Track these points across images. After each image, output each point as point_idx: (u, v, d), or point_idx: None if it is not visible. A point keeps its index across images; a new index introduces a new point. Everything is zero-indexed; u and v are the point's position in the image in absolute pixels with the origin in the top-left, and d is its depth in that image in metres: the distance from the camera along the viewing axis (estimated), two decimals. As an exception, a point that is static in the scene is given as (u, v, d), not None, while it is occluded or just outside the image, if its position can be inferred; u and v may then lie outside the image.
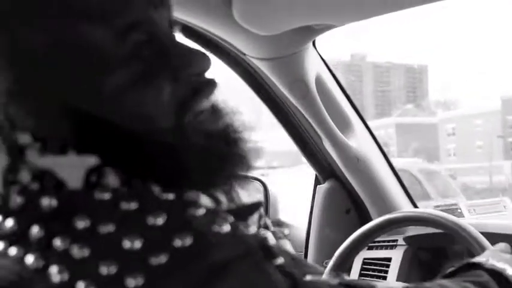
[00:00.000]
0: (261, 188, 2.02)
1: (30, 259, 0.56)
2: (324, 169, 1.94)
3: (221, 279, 0.57)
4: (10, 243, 0.59)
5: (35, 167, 0.61)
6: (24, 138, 0.63)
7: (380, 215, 1.58)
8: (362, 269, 1.83)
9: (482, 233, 1.33)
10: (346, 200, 1.95)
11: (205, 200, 0.64)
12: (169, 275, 0.55)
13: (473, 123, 44.05)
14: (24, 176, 0.61)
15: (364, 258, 1.83)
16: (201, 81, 0.70)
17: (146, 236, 0.56)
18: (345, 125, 1.80)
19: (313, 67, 1.68)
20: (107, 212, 0.58)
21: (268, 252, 0.63)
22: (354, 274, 1.83)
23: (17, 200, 0.61)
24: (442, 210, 1.63)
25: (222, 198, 0.68)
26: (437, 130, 46.42)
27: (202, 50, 0.70)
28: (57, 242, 0.56)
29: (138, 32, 0.65)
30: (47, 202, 0.59)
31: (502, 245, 1.19)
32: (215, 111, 0.70)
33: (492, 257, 1.03)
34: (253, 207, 0.70)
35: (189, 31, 1.63)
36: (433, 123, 47.74)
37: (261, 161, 0.75)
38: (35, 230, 0.58)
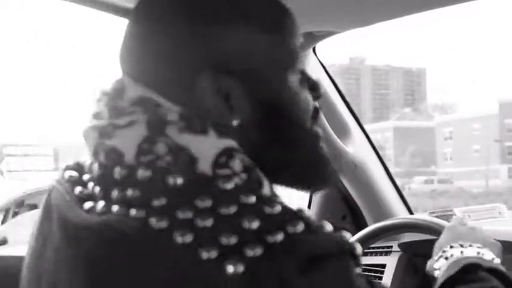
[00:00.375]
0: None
1: (153, 220, 0.63)
2: (321, 175, 1.94)
3: (316, 269, 0.63)
4: (129, 206, 0.66)
5: (172, 141, 0.69)
6: (172, 115, 0.70)
7: (376, 222, 1.59)
8: (357, 274, 1.83)
9: (477, 241, 1.34)
10: (343, 206, 1.95)
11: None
12: (283, 252, 0.63)
13: (471, 127, 44.09)
14: (161, 148, 0.68)
15: (360, 264, 1.83)
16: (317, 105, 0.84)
17: (264, 220, 0.64)
18: (343, 131, 1.81)
19: (313, 73, 1.67)
20: (227, 199, 0.65)
21: (356, 259, 0.69)
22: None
23: (145, 173, 0.67)
24: (437, 216, 1.63)
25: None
26: (434, 134, 46.48)
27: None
28: (180, 213, 0.63)
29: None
30: (173, 180, 0.66)
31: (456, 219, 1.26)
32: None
33: (464, 242, 1.09)
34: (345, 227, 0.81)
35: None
36: (431, 126, 47.80)
37: None
38: (157, 202, 0.65)
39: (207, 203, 0.64)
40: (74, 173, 0.77)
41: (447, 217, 1.75)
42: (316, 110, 0.83)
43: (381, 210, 1.87)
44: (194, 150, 0.68)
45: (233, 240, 0.62)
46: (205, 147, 0.69)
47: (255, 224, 0.63)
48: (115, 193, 0.68)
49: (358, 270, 0.69)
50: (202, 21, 0.73)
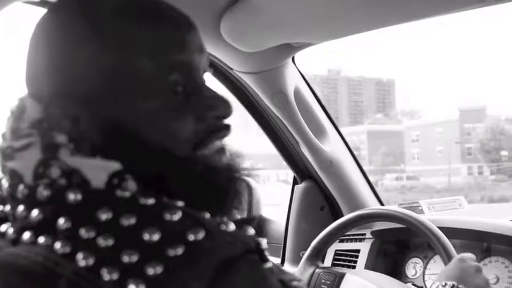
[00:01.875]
0: (245, 187, 2.01)
1: (58, 245, 0.57)
2: (301, 171, 1.94)
3: (226, 274, 0.57)
4: (37, 233, 0.59)
5: (65, 164, 0.63)
6: (60, 138, 0.64)
7: (351, 212, 1.58)
8: (334, 259, 1.82)
9: (440, 228, 1.34)
10: (321, 198, 1.94)
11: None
12: (185, 265, 0.56)
13: (435, 130, 44.36)
14: (54, 172, 0.62)
15: (336, 250, 1.83)
16: (220, 125, 0.72)
17: (164, 230, 0.58)
18: (320, 131, 1.80)
19: (292, 80, 1.68)
20: (127, 206, 0.59)
21: (263, 254, 0.64)
22: (327, 264, 1.82)
23: (44, 192, 0.61)
24: (405, 207, 1.63)
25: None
26: (403, 136, 46.70)
27: (227, 97, 0.72)
28: (83, 232, 0.57)
29: (179, 71, 0.68)
30: (73, 196, 0.60)
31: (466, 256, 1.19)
32: (222, 150, 0.73)
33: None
34: (249, 220, 0.74)
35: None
36: (400, 130, 48.03)
37: (247, 162, 0.76)
38: (61, 221, 0.59)
39: (108, 214, 0.58)
40: None
41: (414, 208, 1.75)
42: (210, 132, 0.71)
43: (355, 202, 1.87)
44: (86, 172, 0.62)
45: (134, 258, 0.55)
46: (95, 170, 0.63)
47: (156, 236, 0.57)
48: (22, 215, 0.62)
49: (268, 264, 0.64)
50: (60, 46, 0.67)
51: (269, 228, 2.10)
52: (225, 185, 0.69)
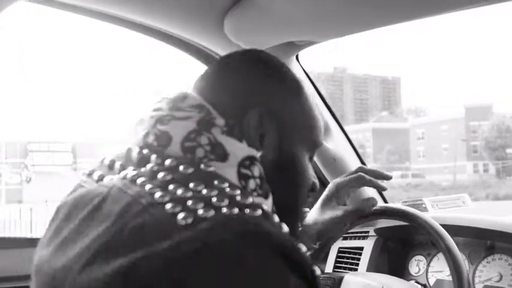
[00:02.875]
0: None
1: (148, 186, 0.71)
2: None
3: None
4: (139, 176, 0.74)
5: (213, 137, 0.78)
6: (219, 120, 0.80)
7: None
8: (337, 256, 1.83)
9: (443, 225, 1.33)
10: (324, 195, 1.93)
11: None
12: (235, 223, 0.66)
13: (440, 128, 44.23)
14: (203, 140, 0.78)
15: (340, 247, 1.83)
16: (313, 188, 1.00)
17: (230, 201, 0.69)
18: (323, 129, 1.79)
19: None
20: (214, 188, 0.71)
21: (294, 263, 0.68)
22: (330, 261, 1.82)
23: (172, 163, 0.75)
24: (408, 205, 1.63)
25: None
26: (408, 134, 46.58)
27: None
28: (171, 186, 0.70)
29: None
30: (183, 168, 0.74)
31: None
32: None
33: None
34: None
35: (186, 46, 1.62)
36: (405, 128, 47.90)
37: None
38: (162, 174, 0.73)
39: (199, 187, 0.70)
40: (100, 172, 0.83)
41: (418, 206, 1.75)
42: (313, 188, 0.96)
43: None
44: (228, 148, 0.78)
45: (199, 205, 0.66)
46: (237, 149, 0.79)
47: (223, 203, 0.67)
48: (140, 160, 0.78)
49: (294, 277, 0.67)
50: (264, 77, 0.89)
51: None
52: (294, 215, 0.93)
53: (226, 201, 0.68)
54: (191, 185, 0.70)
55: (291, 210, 0.89)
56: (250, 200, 0.71)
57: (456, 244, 1.28)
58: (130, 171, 0.76)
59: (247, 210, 0.68)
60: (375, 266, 1.71)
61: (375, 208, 1.53)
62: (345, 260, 1.80)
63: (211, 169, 0.75)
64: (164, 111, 0.82)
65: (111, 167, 0.82)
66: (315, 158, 1.82)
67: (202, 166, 0.75)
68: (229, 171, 0.76)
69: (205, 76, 0.90)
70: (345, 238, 1.83)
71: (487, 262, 1.52)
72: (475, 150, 40.94)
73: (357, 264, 1.74)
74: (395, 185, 29.07)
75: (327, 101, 1.85)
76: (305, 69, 1.75)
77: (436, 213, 1.71)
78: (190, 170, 0.73)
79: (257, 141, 0.82)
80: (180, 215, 0.65)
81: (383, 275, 1.52)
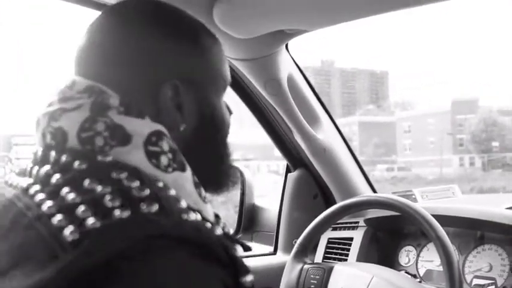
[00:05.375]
0: (239, 176, 2.01)
1: (39, 196, 0.65)
2: (294, 159, 1.92)
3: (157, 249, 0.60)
4: (34, 184, 0.68)
5: (110, 121, 0.71)
6: (113, 100, 0.72)
7: (344, 200, 1.57)
8: (327, 247, 1.81)
9: (433, 215, 1.33)
10: (314, 186, 1.93)
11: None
12: (126, 228, 0.60)
13: (427, 121, 44.50)
14: (100, 126, 0.70)
15: (329, 238, 1.82)
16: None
17: (124, 200, 0.63)
18: (313, 119, 1.78)
19: (285, 68, 1.66)
20: (110, 183, 0.65)
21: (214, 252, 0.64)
22: (320, 252, 1.81)
23: (67, 158, 0.69)
24: (398, 195, 1.61)
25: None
26: (395, 128, 46.87)
27: None
28: (64, 191, 0.64)
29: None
30: (77, 165, 0.67)
31: None
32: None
33: None
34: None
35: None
36: (392, 121, 48.19)
37: (238, 153, 0.82)
38: (55, 177, 0.67)
39: (94, 185, 0.64)
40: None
41: (407, 196, 1.74)
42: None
43: (348, 190, 1.86)
44: (129, 128, 0.71)
45: (88, 212, 0.60)
46: (140, 127, 0.72)
47: (117, 202, 0.62)
48: (39, 169, 0.70)
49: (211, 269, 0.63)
50: (171, 40, 0.78)
51: (262, 217, 2.08)
52: (227, 169, 0.86)
53: (118, 201, 0.62)
54: (86, 183, 0.64)
55: (219, 161, 0.85)
56: (147, 191, 0.64)
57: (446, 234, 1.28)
58: (26, 180, 0.70)
59: (143, 207, 0.62)
60: (364, 257, 1.70)
61: (365, 198, 1.53)
62: (334, 250, 1.79)
63: (109, 159, 0.68)
64: (55, 105, 0.74)
65: (23, 172, 0.75)
66: (304, 148, 1.81)
67: (99, 158, 0.68)
68: (136, 153, 0.70)
69: (94, 45, 0.78)
70: (335, 228, 1.82)
71: (477, 252, 1.52)
72: (461, 143, 41.24)
73: (347, 255, 1.73)
74: (381, 178, 29.21)
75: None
76: (294, 59, 1.73)
77: (426, 203, 1.71)
78: (85, 165, 0.67)
79: (177, 116, 0.77)
80: (67, 230, 0.58)
81: (373, 265, 1.51)
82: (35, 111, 0.77)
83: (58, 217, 0.60)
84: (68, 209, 0.61)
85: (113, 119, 0.71)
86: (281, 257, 1.92)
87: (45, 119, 0.74)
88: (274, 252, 1.98)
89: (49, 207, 0.62)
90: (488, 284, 1.46)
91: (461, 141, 41.12)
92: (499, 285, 1.45)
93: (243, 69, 1.64)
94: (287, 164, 1.97)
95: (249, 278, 0.67)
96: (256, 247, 2.02)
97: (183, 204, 0.68)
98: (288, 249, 1.90)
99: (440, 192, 1.86)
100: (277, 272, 1.59)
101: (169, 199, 0.66)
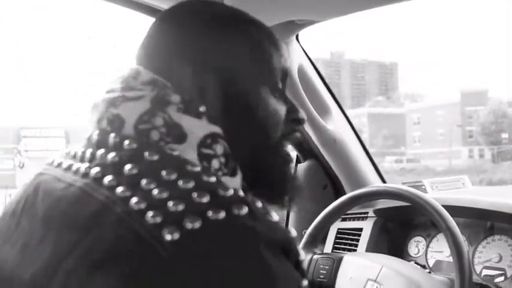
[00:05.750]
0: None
1: (119, 189, 0.63)
2: (304, 149, 1.92)
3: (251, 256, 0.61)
4: (104, 173, 0.66)
5: (169, 117, 0.70)
6: (174, 97, 0.72)
7: (353, 190, 1.57)
8: (336, 237, 1.82)
9: (444, 206, 1.32)
10: (324, 176, 1.93)
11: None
12: (220, 230, 0.61)
13: (436, 113, 44.26)
14: (158, 121, 0.70)
15: (338, 228, 1.82)
16: (297, 129, 0.87)
17: (213, 198, 0.63)
18: (323, 110, 1.78)
19: (296, 58, 1.66)
20: (190, 176, 0.65)
21: (291, 255, 0.67)
22: (329, 242, 1.82)
23: (131, 145, 0.68)
24: (408, 186, 1.61)
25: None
26: (404, 119, 46.66)
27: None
28: (144, 182, 0.63)
29: (282, 73, 0.83)
30: (148, 156, 0.67)
31: None
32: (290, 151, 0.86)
33: None
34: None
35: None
36: (401, 113, 47.97)
37: None
38: (128, 166, 0.66)
39: (173, 176, 0.64)
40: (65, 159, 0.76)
41: (417, 187, 1.74)
42: (291, 131, 0.83)
43: (357, 180, 1.86)
44: (186, 127, 0.70)
45: (180, 207, 0.61)
46: (196, 128, 0.71)
47: (205, 199, 0.62)
48: (99, 154, 0.69)
49: (300, 271, 0.67)
50: (210, 34, 0.78)
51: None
52: (291, 181, 0.84)
53: (206, 198, 0.62)
54: (163, 174, 0.64)
55: (269, 169, 0.80)
56: (230, 191, 0.65)
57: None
58: (92, 166, 0.69)
59: (235, 209, 0.62)
60: (374, 247, 1.70)
61: (374, 188, 1.53)
62: (343, 240, 1.79)
63: (176, 153, 0.68)
64: (116, 92, 0.75)
65: (75, 156, 0.74)
66: (314, 139, 1.81)
67: (167, 150, 0.68)
68: (189, 153, 0.69)
69: (156, 42, 0.80)
70: (344, 219, 1.82)
71: (486, 243, 1.52)
72: (470, 135, 41.01)
73: (356, 246, 1.73)
74: (390, 170, 29.14)
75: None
76: (305, 49, 1.72)
77: (436, 194, 1.71)
78: (156, 157, 0.67)
79: (196, 96, 0.74)
80: (166, 229, 0.59)
81: (383, 255, 1.51)
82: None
83: (150, 214, 0.60)
84: (158, 205, 0.61)
85: (171, 116, 0.70)
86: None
87: (104, 104, 0.74)
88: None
89: (136, 203, 0.61)
90: (498, 275, 1.46)
91: (471, 133, 40.88)
92: (508, 276, 1.45)
93: (253, 59, 1.64)
94: (297, 155, 1.97)
95: (305, 282, 0.67)
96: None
97: (260, 205, 0.69)
98: (297, 239, 1.90)
99: (450, 183, 1.86)
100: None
101: (253, 201, 0.67)
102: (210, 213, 0.60)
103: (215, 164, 0.70)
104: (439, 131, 43.20)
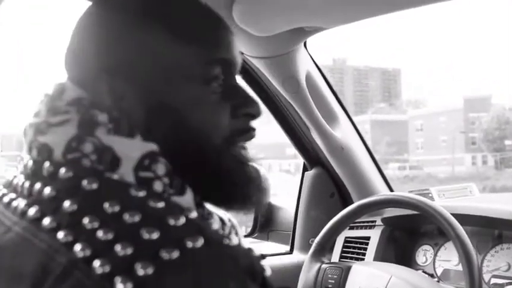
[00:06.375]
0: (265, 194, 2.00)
1: (61, 235, 0.56)
2: (311, 157, 1.92)
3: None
4: (43, 213, 0.59)
5: (99, 141, 0.64)
6: (102, 116, 0.65)
7: (361, 198, 1.56)
8: (344, 246, 1.81)
9: (452, 214, 1.32)
10: (331, 184, 1.92)
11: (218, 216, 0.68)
12: (177, 271, 0.55)
13: (439, 120, 44.27)
14: (87, 147, 0.63)
15: (346, 237, 1.81)
16: (249, 126, 0.75)
17: (164, 232, 0.57)
18: (331, 117, 1.78)
19: (304, 65, 1.66)
20: (135, 206, 0.59)
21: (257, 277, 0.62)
22: (337, 251, 1.81)
23: (67, 174, 0.62)
24: (415, 194, 1.61)
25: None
26: (407, 126, 46.68)
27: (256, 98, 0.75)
28: (86, 221, 0.56)
29: (222, 67, 0.71)
30: (88, 185, 0.60)
31: None
32: (245, 149, 0.75)
33: None
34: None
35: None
36: (404, 120, 48.00)
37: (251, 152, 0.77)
38: (67, 204, 0.58)
39: (116, 208, 0.57)
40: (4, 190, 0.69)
41: (424, 195, 1.73)
42: (244, 128, 0.73)
43: (365, 188, 1.85)
44: (118, 150, 0.63)
45: (129, 251, 0.54)
46: (130, 149, 0.64)
47: (154, 236, 0.55)
48: (36, 188, 0.62)
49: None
50: (111, 32, 0.69)
51: (278, 216, 2.08)
52: (251, 182, 0.73)
53: (157, 233, 0.56)
54: (106, 207, 0.57)
55: (222, 173, 0.71)
56: (182, 219, 0.59)
57: (465, 233, 1.27)
58: (30, 203, 0.62)
59: (189, 243, 0.56)
60: (381, 256, 1.69)
61: (382, 197, 1.52)
62: (351, 249, 1.79)
63: (115, 177, 0.62)
64: (42, 115, 0.67)
65: (16, 188, 0.67)
66: (321, 146, 1.80)
67: (106, 174, 0.62)
68: (129, 177, 0.63)
69: (80, 44, 0.71)
70: (352, 228, 1.81)
71: (495, 252, 1.51)
72: (473, 142, 40.99)
73: (364, 254, 1.73)
74: (392, 177, 29.13)
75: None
76: (312, 56, 1.72)
77: (443, 202, 1.70)
78: (95, 185, 0.60)
79: (116, 109, 0.67)
80: (118, 278, 0.52)
81: (391, 264, 1.50)
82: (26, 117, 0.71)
83: (98, 262, 0.53)
84: (105, 251, 0.54)
85: (101, 139, 0.64)
86: (297, 256, 1.92)
87: (32, 131, 0.68)
88: (291, 252, 1.98)
89: (81, 250, 0.55)
90: (507, 284, 1.45)
91: (474, 139, 40.86)
92: (517, 285, 1.44)
93: (261, 67, 1.64)
94: (304, 163, 1.97)
95: None
96: (273, 246, 2.02)
97: (217, 226, 0.66)
98: (304, 248, 1.89)
99: (458, 191, 1.85)
100: (294, 271, 1.59)
101: (208, 226, 0.64)
102: (163, 254, 0.54)
103: (158, 186, 0.64)
104: (441, 138, 43.19)
